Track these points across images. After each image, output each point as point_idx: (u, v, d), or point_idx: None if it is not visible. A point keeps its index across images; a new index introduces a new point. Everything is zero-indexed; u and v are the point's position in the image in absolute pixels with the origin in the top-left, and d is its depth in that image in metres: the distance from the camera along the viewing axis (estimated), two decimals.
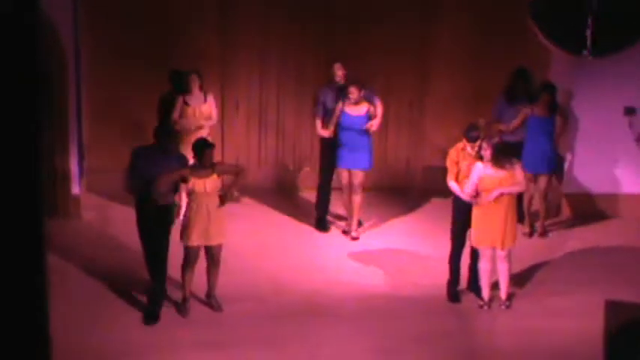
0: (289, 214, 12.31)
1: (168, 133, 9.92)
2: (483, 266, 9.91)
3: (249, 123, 13.06)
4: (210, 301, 9.83)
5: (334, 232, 11.87)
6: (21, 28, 2.74)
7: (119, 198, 12.21)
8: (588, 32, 8.26)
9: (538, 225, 11.81)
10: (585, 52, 8.68)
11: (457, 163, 9.94)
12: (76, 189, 11.88)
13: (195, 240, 9.51)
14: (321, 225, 11.87)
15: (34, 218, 2.71)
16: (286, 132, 13.13)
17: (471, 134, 9.85)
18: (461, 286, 10.23)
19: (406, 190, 12.92)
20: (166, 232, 9.60)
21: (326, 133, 11.50)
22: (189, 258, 9.61)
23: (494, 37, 12.48)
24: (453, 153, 10.03)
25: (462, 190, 9.82)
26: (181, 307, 9.71)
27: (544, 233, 11.81)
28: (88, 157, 12.43)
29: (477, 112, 12.10)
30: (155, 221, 9.52)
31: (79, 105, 12.02)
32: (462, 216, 9.95)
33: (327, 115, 11.51)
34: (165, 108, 11.54)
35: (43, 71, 2.87)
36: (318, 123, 11.62)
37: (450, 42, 12.80)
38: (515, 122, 11.43)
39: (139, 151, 9.84)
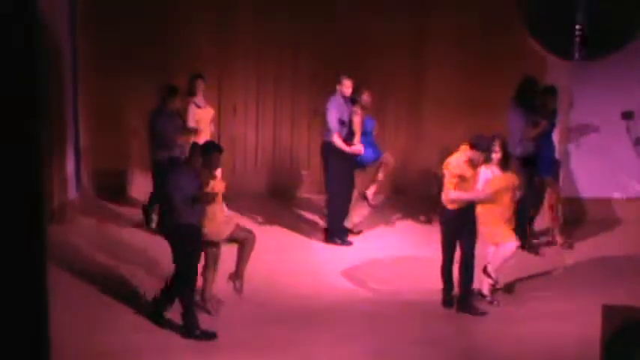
0: (285, 218, 12.31)
1: (212, 149, 9.54)
2: (506, 261, 10.09)
3: (246, 126, 13.06)
4: (209, 303, 9.79)
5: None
6: (20, 28, 2.74)
7: (116, 201, 12.23)
8: (577, 35, 8.27)
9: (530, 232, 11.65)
10: (576, 56, 8.69)
11: (459, 176, 9.78)
12: (72, 192, 11.86)
13: (227, 230, 9.64)
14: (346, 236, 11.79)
15: (36, 222, 2.70)
16: (283, 136, 13.12)
17: (481, 144, 9.71)
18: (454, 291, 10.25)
19: (403, 192, 12.91)
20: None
21: (361, 150, 11.50)
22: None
23: (493, 38, 12.48)
24: (455, 166, 9.77)
25: (469, 194, 9.85)
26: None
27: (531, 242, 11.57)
28: (85, 160, 12.40)
29: (476, 113, 12.12)
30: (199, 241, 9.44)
31: (75, 107, 12.01)
32: (450, 227, 9.95)
33: (343, 129, 11.47)
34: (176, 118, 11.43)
35: (41, 71, 2.87)
36: (338, 139, 11.38)
37: (448, 44, 12.80)
38: (535, 132, 11.22)
39: (177, 177, 9.41)
